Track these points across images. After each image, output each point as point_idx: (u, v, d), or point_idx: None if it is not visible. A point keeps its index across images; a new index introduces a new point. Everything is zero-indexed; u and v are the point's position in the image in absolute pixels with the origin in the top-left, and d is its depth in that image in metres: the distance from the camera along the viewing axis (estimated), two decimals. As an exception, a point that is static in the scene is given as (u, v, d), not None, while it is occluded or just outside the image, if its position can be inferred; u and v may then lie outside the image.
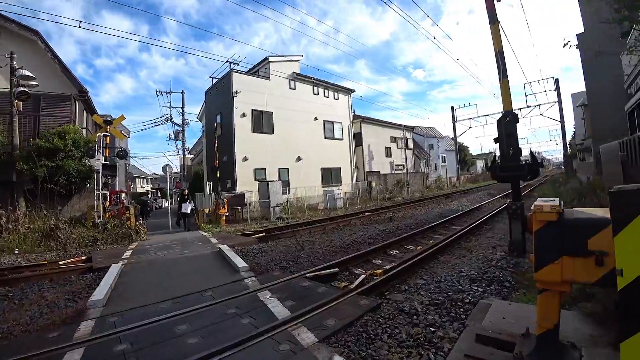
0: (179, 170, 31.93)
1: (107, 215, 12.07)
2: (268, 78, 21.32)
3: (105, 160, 12.90)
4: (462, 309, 4.34)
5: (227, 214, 14.57)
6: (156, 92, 25.64)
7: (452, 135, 42.93)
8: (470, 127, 40.25)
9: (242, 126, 19.28)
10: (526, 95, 34.89)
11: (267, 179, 18.69)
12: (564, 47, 8.96)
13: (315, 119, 24.19)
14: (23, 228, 10.90)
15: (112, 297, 5.29)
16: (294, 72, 23.00)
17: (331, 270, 6.31)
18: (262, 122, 20.50)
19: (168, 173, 13.90)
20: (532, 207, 2.49)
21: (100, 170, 12.31)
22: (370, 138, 30.61)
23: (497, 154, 3.01)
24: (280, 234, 11.06)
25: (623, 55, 14.90)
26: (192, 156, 39.15)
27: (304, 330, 3.75)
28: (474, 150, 72.82)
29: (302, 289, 5.24)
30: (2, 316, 4.94)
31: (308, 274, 5.98)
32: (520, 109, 35.86)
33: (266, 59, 21.59)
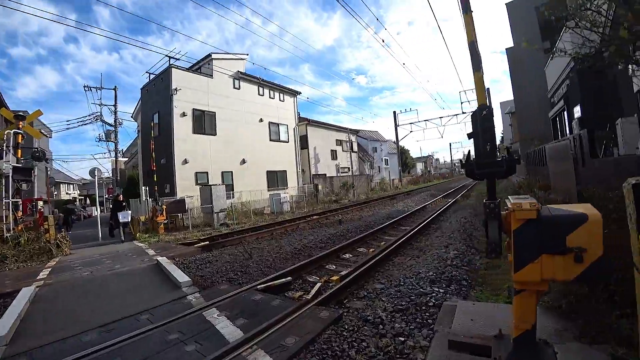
0: (111, 174, 29.35)
1: (20, 228, 10.36)
2: (211, 76, 20.22)
3: (18, 163, 11.11)
4: (427, 314, 4.16)
5: (165, 221, 13.40)
6: (84, 87, 23.27)
7: (394, 139, 44.52)
8: (411, 132, 42.00)
9: (182, 126, 18.01)
10: (461, 103, 37.11)
11: (209, 183, 17.64)
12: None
13: (261, 120, 23.49)
14: None
15: (21, 331, 4.29)
16: (238, 71, 22.11)
17: (284, 279, 5.87)
18: (204, 122, 19.36)
19: (97, 177, 12.39)
20: (508, 206, 2.41)
21: (11, 174, 10.55)
22: (316, 141, 30.53)
23: (472, 150, 2.81)
24: (225, 241, 10.32)
25: (547, 68, 16.34)
26: (125, 159, 36.20)
27: (261, 353, 3.27)
28: (414, 153, 76.75)
29: (254, 303, 4.73)
30: None
31: (259, 286, 5.47)
32: (456, 114, 38.27)
33: (209, 55, 20.43)
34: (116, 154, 26.93)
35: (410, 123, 40.80)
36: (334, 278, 5.85)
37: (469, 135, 2.85)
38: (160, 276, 6.53)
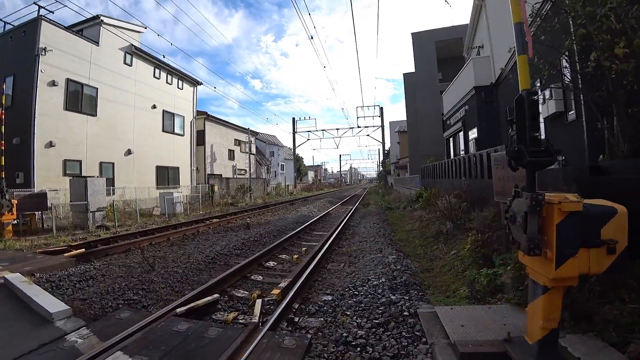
0: None
1: None
2: (97, 43, 16.63)
3: None
4: (407, 325, 3.64)
5: (15, 221, 10.07)
6: None
7: (289, 145, 44.49)
8: (308, 139, 42.51)
9: (49, 99, 14.17)
10: (357, 117, 39.11)
11: (83, 175, 14.30)
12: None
13: (154, 107, 20.44)
14: None
15: None
16: (132, 45, 18.77)
17: (209, 297, 4.54)
18: (81, 98, 15.70)
19: None
20: (547, 199, 2.28)
21: None
22: (214, 138, 28.22)
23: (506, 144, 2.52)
24: (108, 248, 8.05)
25: (445, 94, 18.18)
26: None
27: None
28: (306, 161, 78.61)
29: (181, 337, 3.34)
30: None
31: (178, 309, 4.03)
32: (352, 127, 40.19)
33: (97, 17, 16.68)
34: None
35: (308, 131, 41.30)
36: (275, 292, 4.75)
37: (510, 122, 2.55)
38: (12, 304, 4.38)
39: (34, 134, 13.41)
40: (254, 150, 35.59)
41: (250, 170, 31.94)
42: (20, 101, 14.03)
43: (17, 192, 10.93)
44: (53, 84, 14.49)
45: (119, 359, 2.96)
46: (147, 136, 19.59)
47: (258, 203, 25.04)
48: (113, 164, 17.04)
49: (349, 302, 4.45)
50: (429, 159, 18.05)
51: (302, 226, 11.16)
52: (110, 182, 16.11)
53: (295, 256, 7.26)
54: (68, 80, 15.19)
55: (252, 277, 5.95)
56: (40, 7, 13.92)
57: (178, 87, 23.09)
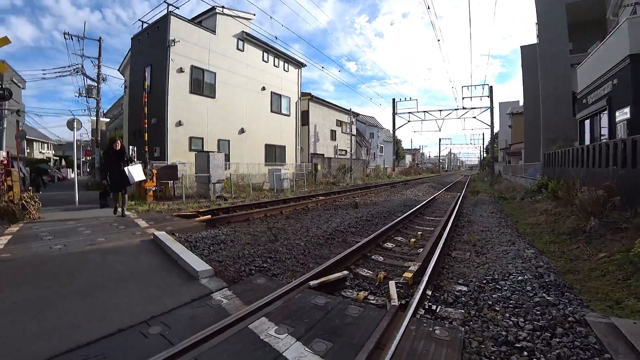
0: (90, 135, 26.82)
1: (-24, 181, 8.32)
2: (214, 32, 17.99)
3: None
4: (580, 334, 2.96)
5: (154, 188, 11.53)
6: (64, 34, 20.39)
7: (388, 127, 43.23)
8: (409, 121, 40.65)
9: (178, 84, 15.88)
10: (463, 98, 35.88)
11: (204, 150, 15.73)
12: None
13: (263, 88, 21.46)
14: None
15: None
16: (243, 32, 19.88)
17: (339, 274, 4.31)
18: (202, 82, 17.24)
19: (75, 129, 10.31)
20: None
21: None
22: (316, 118, 28.70)
23: None
24: (230, 217, 8.60)
25: (579, 67, 15.22)
26: (107, 120, 33.46)
27: None
28: (405, 144, 75.84)
29: (321, 311, 3.14)
30: None
31: (311, 282, 3.88)
32: (457, 109, 37.06)
33: (213, 9, 18.06)
34: (97, 112, 24.44)
35: (409, 112, 39.42)
36: (407, 275, 4.33)
37: None
38: (162, 258, 4.80)
39: (166, 114, 15.15)
40: (354, 131, 35.41)
41: (351, 150, 31.90)
42: (156, 87, 15.91)
43: (155, 164, 12.47)
44: (180, 70, 16.08)
45: (264, 325, 2.86)
46: (257, 116, 20.73)
47: (358, 184, 24.89)
48: (229, 141, 18.46)
49: (493, 296, 3.84)
50: (556, 145, 15.54)
51: (412, 210, 10.48)
52: (226, 157, 17.47)
53: (412, 240, 6.74)
54: (192, 67, 16.71)
55: (373, 257, 5.64)
56: (169, 4, 15.40)
57: (284, 70, 23.82)
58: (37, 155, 39.71)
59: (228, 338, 2.67)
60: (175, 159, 14.74)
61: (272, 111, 22.28)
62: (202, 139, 16.93)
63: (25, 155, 30.50)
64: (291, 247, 5.72)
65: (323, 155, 28.92)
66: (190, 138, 16.31)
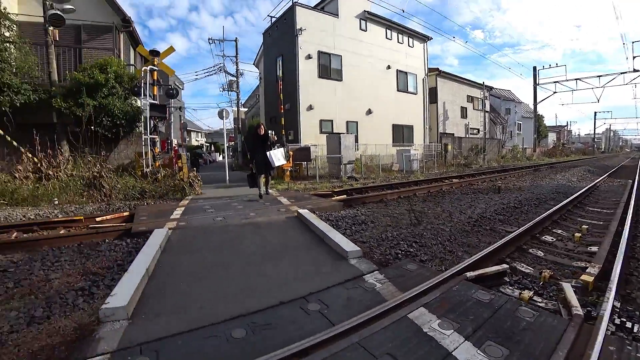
0: (232, 123, 30.28)
1: (157, 164, 10.17)
2: (336, 15, 18.05)
3: (154, 99, 10.88)
4: None
5: (291, 168, 12.31)
6: (208, 39, 23.61)
7: (527, 101, 37.40)
8: (554, 92, 34.42)
9: (307, 70, 16.51)
10: (634, 57, 28.42)
11: (334, 132, 16.07)
12: None
13: (388, 67, 20.77)
14: (65, 175, 9.35)
15: (145, 300, 2.95)
16: (365, 11, 19.44)
17: (498, 267, 3.67)
18: (329, 66, 17.57)
19: (225, 118, 11.68)
20: None
21: (148, 110, 10.30)
22: (445, 95, 26.62)
23: None
24: (364, 197, 8.51)
25: None
26: (245, 109, 37.39)
27: None
28: (547, 121, 63.66)
29: (487, 310, 2.64)
30: None
31: (468, 273, 3.37)
32: (623, 73, 29.73)
33: (335, -8, 18.15)
34: (238, 102, 27.29)
35: (555, 82, 33.19)
36: (586, 279, 3.45)
37: None
38: (309, 235, 4.91)
39: (298, 99, 15.94)
40: (487, 107, 31.85)
41: (484, 129, 28.83)
42: (288, 75, 16.82)
43: (290, 146, 13.25)
44: (308, 57, 16.64)
45: (425, 317, 2.53)
46: (383, 96, 20.23)
47: (493, 166, 22.40)
48: (356, 122, 18.52)
49: None
50: None
51: (568, 198, 8.50)
52: (355, 139, 17.56)
53: (577, 234, 5.46)
54: (319, 53, 17.12)
55: (530, 250, 4.72)
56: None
57: (409, 46, 22.57)
58: (193, 142, 47.17)
59: (389, 325, 2.44)
60: (307, 141, 15.46)
61: (398, 90, 21.46)
62: (332, 121, 17.35)
63: (186, 142, 36.42)
64: (436, 233, 5.22)
65: (453, 134, 26.82)
66: (321, 121, 16.88)
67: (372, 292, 3.08)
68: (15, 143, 9.86)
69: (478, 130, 29.94)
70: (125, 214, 7.13)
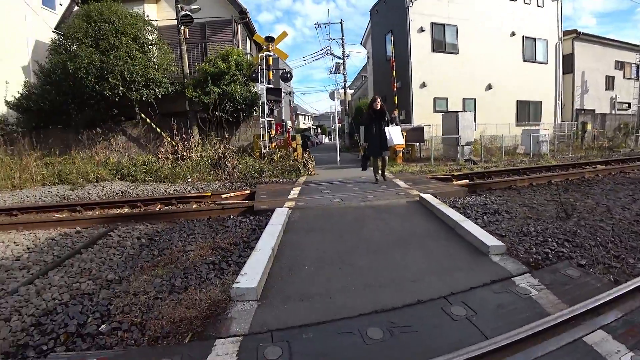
0: (339, 105, 30.61)
1: (273, 145, 10.73)
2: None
3: (269, 84, 11.41)
4: None
5: (403, 150, 11.77)
6: (315, 24, 24.05)
7: None
8: None
9: (419, 44, 15.45)
10: None
11: (450, 111, 14.86)
12: None
13: (512, 34, 18.17)
14: (196, 156, 10.56)
15: (272, 282, 2.98)
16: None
17: None
18: (443, 38, 16.15)
19: (336, 99, 11.65)
20: None
21: (265, 95, 10.85)
22: (585, 62, 22.32)
23: None
24: (488, 183, 7.58)
25: None
26: (351, 91, 37.36)
27: None
28: None
29: None
30: (113, 294, 3.07)
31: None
32: None
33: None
34: (345, 84, 27.32)
35: None
36: None
37: None
38: (436, 223, 4.49)
39: (410, 76, 15.08)
40: (644, 74, 25.91)
41: (639, 103, 23.57)
42: (399, 51, 16.02)
43: (402, 126, 12.64)
44: (421, 30, 15.50)
45: (608, 345, 2.00)
46: (506, 68, 17.86)
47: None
48: (474, 99, 16.83)
49: None
50: None
51: None
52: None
53: None
54: (432, 24, 15.81)
55: None
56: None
57: (538, 5, 19.25)
58: (301, 125, 49.32)
59: (563, 347, 1.97)
60: (419, 121, 14.65)
61: (524, 60, 18.69)
62: (446, 99, 16.08)
63: (295, 125, 38.22)
64: (593, 231, 4.27)
65: (593, 111, 22.51)
66: (435, 99, 15.79)
67: (527, 300, 2.58)
68: (158, 129, 11.42)
69: (629, 104, 24.66)
70: (247, 192, 7.65)
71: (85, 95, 10.64)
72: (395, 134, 7.31)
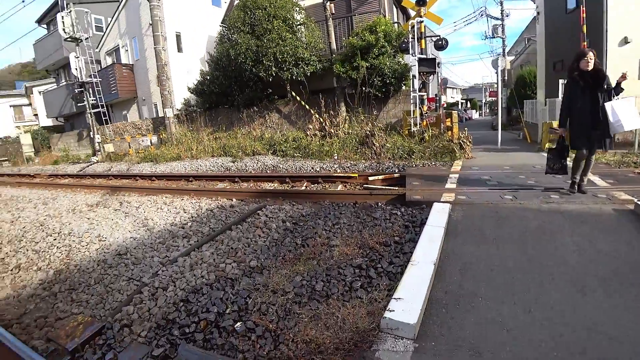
0: (499, 75, 26.89)
1: (425, 123, 9.64)
2: None
3: (421, 54, 10.24)
4: None
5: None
6: None
7: None
8: None
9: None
10: None
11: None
12: None
13: None
14: (342, 133, 10.47)
15: (434, 314, 2.28)
16: None
17: None
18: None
19: (499, 67, 9.76)
20: None
21: (417, 67, 9.77)
22: None
23: None
24: None
25: None
26: (511, 58, 32.31)
27: None
28: None
29: None
30: (253, 286, 2.98)
31: None
32: None
33: None
34: (504, 49, 23.74)
35: None
36: None
37: None
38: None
39: (605, 30, 11.65)
40: None
41: None
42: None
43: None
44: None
45: None
46: None
47: None
48: None
49: None
50: None
51: None
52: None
53: None
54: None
55: None
56: None
57: None
58: (449, 99, 45.59)
59: None
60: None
61: None
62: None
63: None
64: None
65: None
66: (641, 60, 11.95)
67: None
68: (307, 107, 11.75)
69: None
70: (396, 175, 7.10)
71: (244, 77, 12.11)
72: (626, 113, 4.19)
